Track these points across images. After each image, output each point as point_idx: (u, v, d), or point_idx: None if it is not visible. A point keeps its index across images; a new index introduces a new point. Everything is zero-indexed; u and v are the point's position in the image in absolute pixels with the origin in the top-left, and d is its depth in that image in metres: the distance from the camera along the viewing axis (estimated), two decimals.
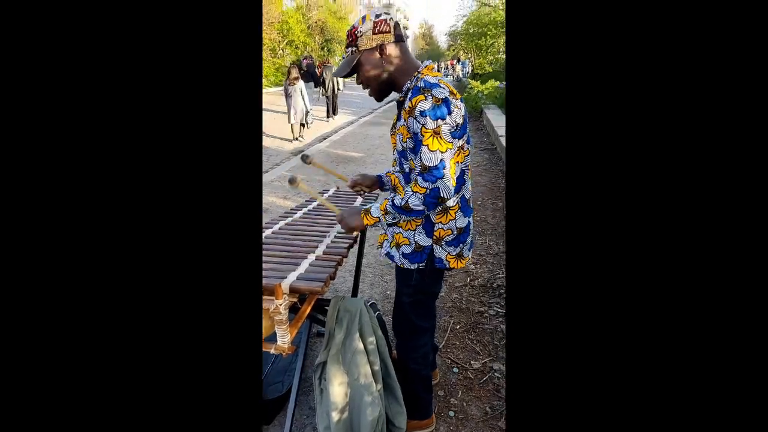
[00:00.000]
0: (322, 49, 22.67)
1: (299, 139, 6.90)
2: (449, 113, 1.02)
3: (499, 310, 2.20)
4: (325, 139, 6.92)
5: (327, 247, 1.31)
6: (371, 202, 1.54)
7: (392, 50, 1.12)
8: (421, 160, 1.03)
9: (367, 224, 1.16)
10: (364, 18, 1.13)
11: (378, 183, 1.44)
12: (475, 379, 1.74)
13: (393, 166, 1.24)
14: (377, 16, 1.12)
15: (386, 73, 1.14)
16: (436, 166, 1.01)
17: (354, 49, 1.14)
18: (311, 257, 1.21)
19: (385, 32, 1.11)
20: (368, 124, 8.68)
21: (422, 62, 1.16)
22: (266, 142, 6.78)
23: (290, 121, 6.79)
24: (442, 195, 1.03)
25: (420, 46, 61.50)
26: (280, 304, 0.98)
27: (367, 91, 1.21)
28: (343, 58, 1.20)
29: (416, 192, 1.04)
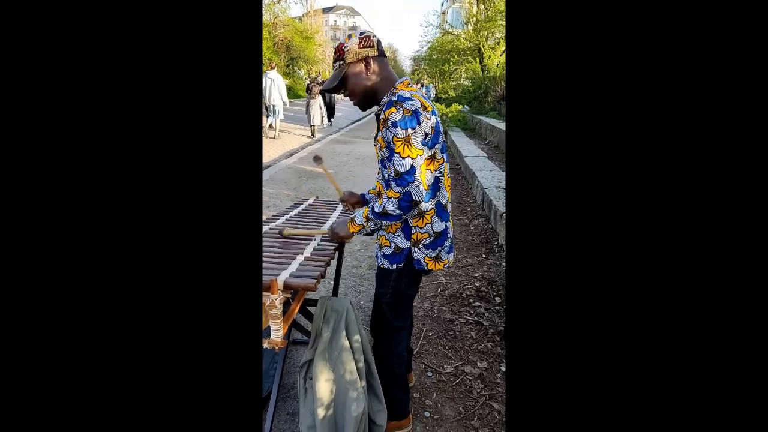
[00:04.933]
0: (288, 66, 22.75)
1: (315, 136, 9.23)
2: (419, 123, 1.13)
3: (468, 318, 2.30)
4: (293, 155, 6.93)
5: (314, 249, 1.36)
6: (349, 214, 1.63)
7: (375, 64, 1.24)
8: (393, 167, 1.14)
9: (353, 231, 1.28)
10: (350, 36, 1.24)
11: (362, 201, 1.57)
12: (448, 381, 1.81)
13: (378, 174, 1.33)
14: (362, 33, 1.25)
15: (370, 83, 1.24)
16: (407, 171, 1.12)
17: (342, 62, 1.25)
18: (300, 258, 1.26)
19: (369, 47, 1.23)
20: (335, 141, 8.80)
21: (398, 79, 1.28)
22: None
23: (310, 123, 9.17)
24: (414, 198, 1.14)
25: None
26: (276, 299, 1.02)
27: (353, 102, 1.31)
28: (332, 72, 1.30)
29: (392, 197, 1.15)
